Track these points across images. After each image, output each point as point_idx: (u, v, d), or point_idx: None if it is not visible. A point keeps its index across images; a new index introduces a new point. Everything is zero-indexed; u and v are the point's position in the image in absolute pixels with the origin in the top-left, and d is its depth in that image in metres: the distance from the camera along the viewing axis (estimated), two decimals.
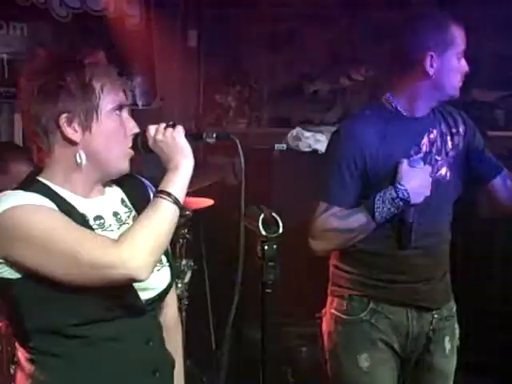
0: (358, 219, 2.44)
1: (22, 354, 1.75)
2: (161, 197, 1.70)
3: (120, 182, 1.88)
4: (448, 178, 2.56)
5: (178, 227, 3.36)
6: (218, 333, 4.37)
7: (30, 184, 1.74)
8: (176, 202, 1.70)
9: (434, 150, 2.53)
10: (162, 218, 1.68)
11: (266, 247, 1.70)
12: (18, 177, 2.49)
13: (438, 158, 2.54)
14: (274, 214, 1.72)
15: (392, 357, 2.55)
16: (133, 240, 1.62)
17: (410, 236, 2.46)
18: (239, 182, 1.73)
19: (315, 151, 4.24)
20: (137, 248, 1.61)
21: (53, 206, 1.69)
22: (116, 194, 1.89)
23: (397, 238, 2.48)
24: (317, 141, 4.26)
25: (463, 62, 2.48)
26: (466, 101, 2.61)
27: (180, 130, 1.75)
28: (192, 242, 3.89)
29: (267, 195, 4.10)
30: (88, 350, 1.70)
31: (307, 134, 4.32)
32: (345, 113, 4.86)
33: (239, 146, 1.73)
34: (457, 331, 2.66)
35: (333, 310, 2.59)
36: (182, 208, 1.73)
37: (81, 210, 1.75)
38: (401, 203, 2.40)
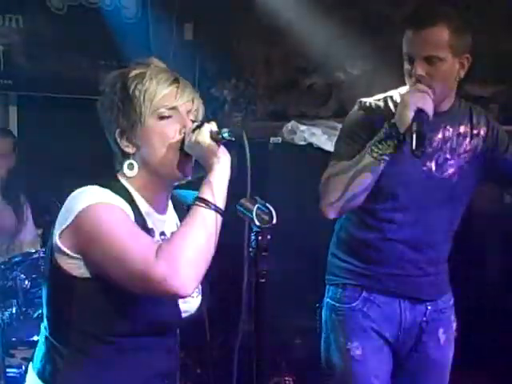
0: (354, 159, 2.41)
1: (52, 347, 1.76)
2: (196, 204, 1.68)
3: (176, 206, 1.90)
4: (456, 179, 2.53)
5: None
6: (212, 324, 4.37)
7: (112, 183, 1.75)
8: (214, 207, 1.67)
9: (445, 149, 2.51)
10: (199, 226, 1.65)
11: (259, 237, 1.71)
12: None
13: (449, 157, 2.51)
14: (267, 205, 1.73)
15: (384, 345, 2.56)
16: (170, 255, 1.59)
17: (423, 141, 2.34)
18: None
19: (310, 144, 4.25)
20: (175, 264, 1.58)
21: (130, 211, 1.71)
22: (174, 215, 1.90)
23: (411, 142, 2.35)
24: (312, 134, 4.27)
25: (409, 65, 2.39)
26: (460, 95, 2.57)
27: (204, 132, 1.70)
28: None
29: (262, 188, 4.10)
30: (117, 355, 1.74)
31: (302, 127, 4.33)
32: (340, 107, 4.87)
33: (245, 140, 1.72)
34: (454, 324, 2.66)
35: (328, 299, 2.61)
36: (222, 212, 1.69)
37: (150, 224, 1.78)
38: (393, 124, 2.33)
